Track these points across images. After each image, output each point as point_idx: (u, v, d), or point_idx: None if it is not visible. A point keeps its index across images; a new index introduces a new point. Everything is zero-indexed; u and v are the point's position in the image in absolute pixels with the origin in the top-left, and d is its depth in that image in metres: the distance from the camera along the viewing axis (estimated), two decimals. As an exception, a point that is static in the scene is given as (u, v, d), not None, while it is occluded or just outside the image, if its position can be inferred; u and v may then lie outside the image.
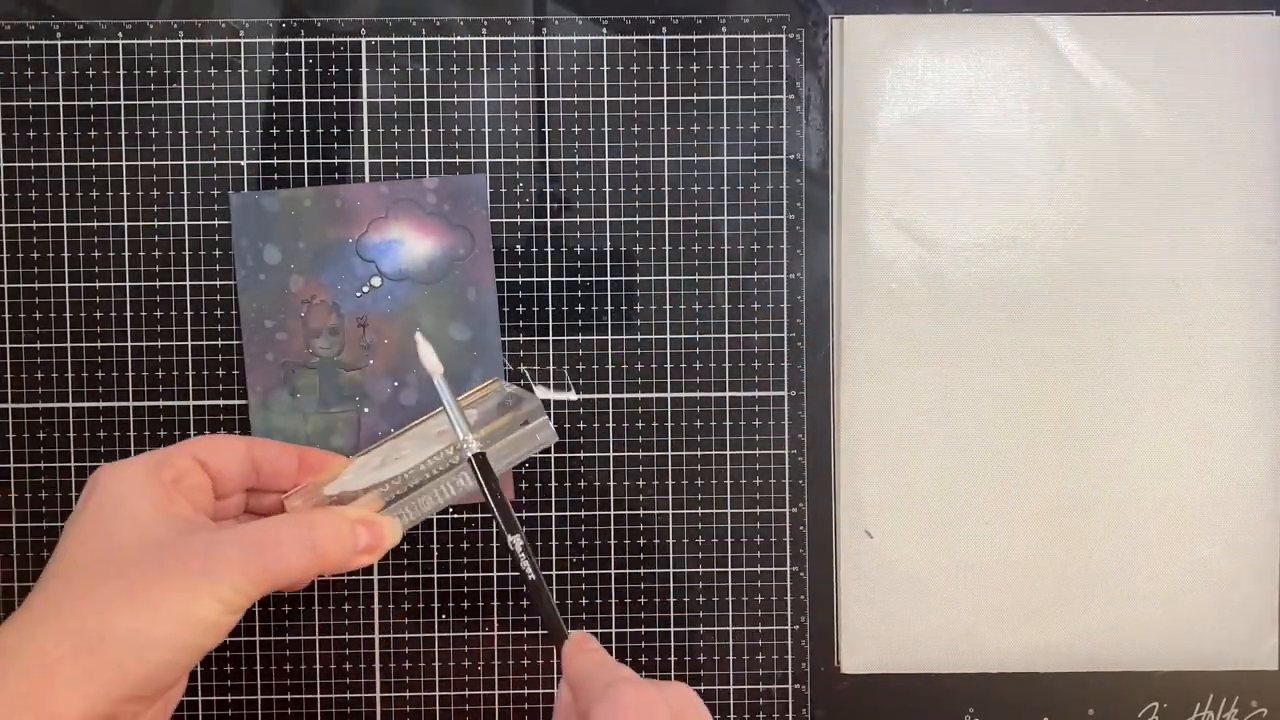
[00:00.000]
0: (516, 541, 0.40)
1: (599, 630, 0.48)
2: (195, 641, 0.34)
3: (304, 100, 0.48)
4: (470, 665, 0.48)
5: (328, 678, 0.48)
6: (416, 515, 0.43)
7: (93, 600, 0.33)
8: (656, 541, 0.48)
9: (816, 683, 0.49)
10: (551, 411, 0.48)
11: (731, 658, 0.49)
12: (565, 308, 0.48)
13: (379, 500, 0.42)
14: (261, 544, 0.35)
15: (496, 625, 0.48)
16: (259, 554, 0.35)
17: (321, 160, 0.48)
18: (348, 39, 0.48)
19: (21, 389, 0.48)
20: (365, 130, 0.48)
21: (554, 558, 0.48)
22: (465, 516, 0.48)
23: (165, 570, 0.34)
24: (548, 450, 0.48)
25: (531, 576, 0.40)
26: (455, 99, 0.48)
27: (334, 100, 0.48)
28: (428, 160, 0.48)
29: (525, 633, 0.48)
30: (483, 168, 0.48)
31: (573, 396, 0.45)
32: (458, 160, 0.48)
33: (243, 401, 0.48)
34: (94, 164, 0.48)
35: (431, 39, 0.48)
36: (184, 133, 0.48)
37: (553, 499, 0.48)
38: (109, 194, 0.48)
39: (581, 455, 0.48)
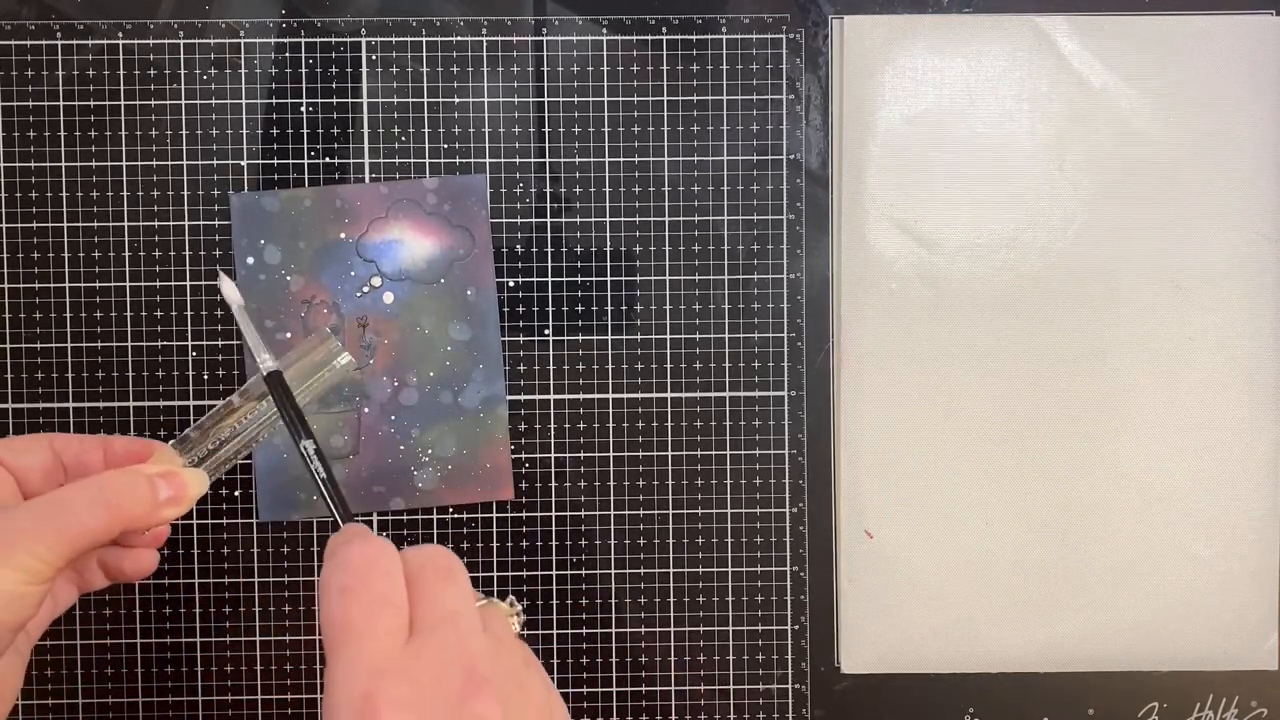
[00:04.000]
0: (309, 446, 0.38)
1: (599, 630, 0.48)
2: (3, 618, 0.33)
3: (304, 100, 0.48)
4: (470, 665, 0.48)
5: (328, 678, 0.48)
6: (226, 461, 0.41)
7: None
8: (656, 541, 0.48)
9: (816, 683, 0.49)
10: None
11: (731, 658, 0.49)
12: (565, 308, 0.48)
13: (179, 458, 0.40)
14: (53, 506, 0.35)
15: (496, 625, 0.48)
16: (52, 517, 0.34)
17: (321, 160, 0.48)
18: (348, 39, 0.48)
19: (21, 389, 0.48)
20: (365, 130, 0.48)
21: (554, 558, 0.48)
22: (465, 516, 0.48)
23: None
24: (548, 450, 0.48)
25: (323, 475, 0.38)
26: (455, 99, 0.48)
27: (334, 100, 0.48)
28: (428, 160, 0.48)
29: (525, 633, 0.48)
30: (483, 168, 0.48)
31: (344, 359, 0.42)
32: (458, 160, 0.48)
33: (243, 401, 0.48)
34: (94, 164, 0.48)
35: (431, 39, 0.48)
36: (184, 133, 0.48)
37: (553, 499, 0.48)
38: (109, 194, 0.48)
39: (581, 455, 0.48)
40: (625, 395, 0.48)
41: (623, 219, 0.48)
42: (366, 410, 0.47)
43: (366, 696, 0.29)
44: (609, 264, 0.48)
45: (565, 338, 0.48)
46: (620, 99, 0.48)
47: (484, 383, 0.48)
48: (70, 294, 0.48)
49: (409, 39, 0.48)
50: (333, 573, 0.32)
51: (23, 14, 0.48)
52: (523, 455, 0.48)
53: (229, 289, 0.41)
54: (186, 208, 0.48)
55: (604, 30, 0.48)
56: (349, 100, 0.48)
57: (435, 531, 0.48)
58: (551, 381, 0.48)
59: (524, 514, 0.48)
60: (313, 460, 0.38)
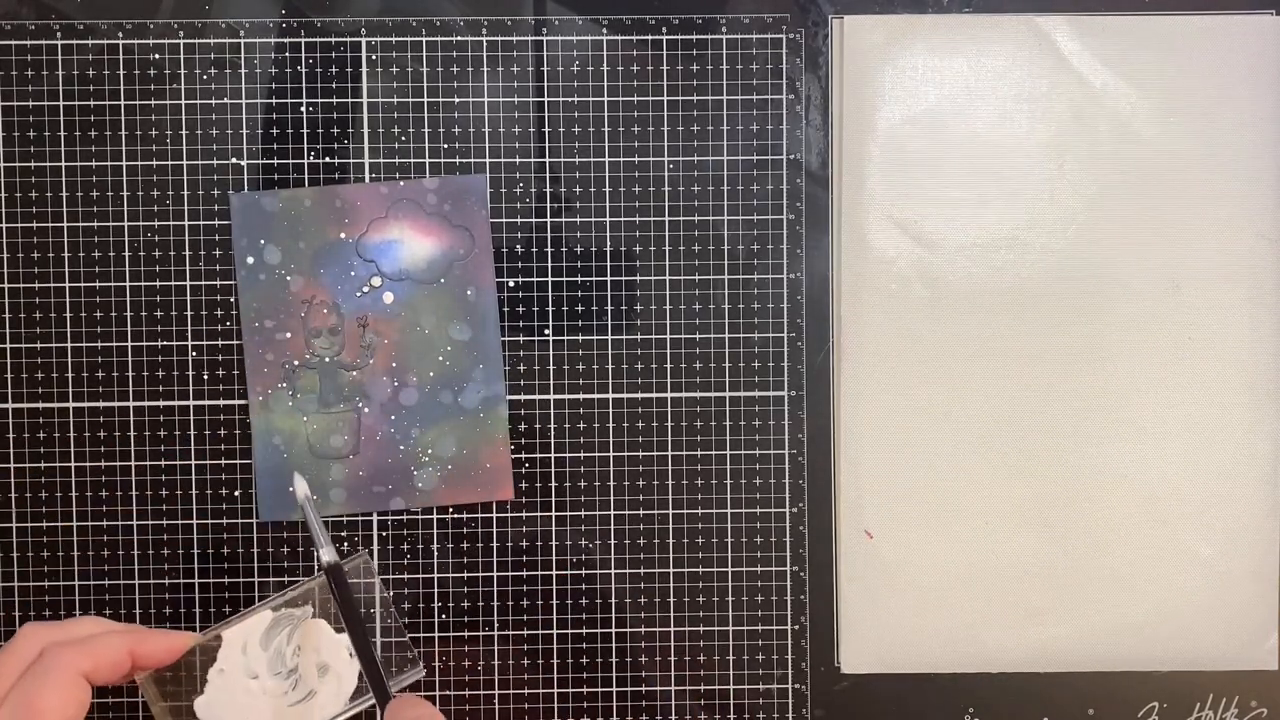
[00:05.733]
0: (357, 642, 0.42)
1: (599, 630, 0.48)
2: None
3: (304, 100, 0.48)
4: (470, 665, 0.48)
5: (328, 678, 0.48)
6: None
7: None
8: (656, 541, 0.48)
9: (816, 683, 0.49)
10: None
11: (731, 658, 0.49)
12: (565, 308, 0.48)
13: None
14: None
15: (496, 625, 0.48)
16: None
17: (322, 160, 0.48)
18: (348, 39, 0.48)
19: (21, 389, 0.48)
20: (365, 130, 0.48)
21: (554, 558, 0.48)
22: (465, 516, 0.48)
23: None
24: (548, 450, 0.48)
25: (370, 663, 0.42)
26: (455, 99, 0.48)
27: (334, 100, 0.48)
28: (428, 160, 0.48)
29: (525, 633, 0.48)
30: (483, 168, 0.48)
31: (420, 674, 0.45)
32: (458, 160, 0.48)
33: (243, 401, 0.48)
34: (94, 164, 0.48)
35: (431, 39, 0.48)
36: (184, 133, 0.48)
37: (553, 499, 0.48)
38: (109, 194, 0.48)
39: (581, 455, 0.48)
40: (625, 395, 0.48)
41: (623, 219, 0.48)
42: (366, 410, 0.47)
43: None
44: (609, 264, 0.48)
45: (565, 338, 0.48)
46: (620, 99, 0.48)
47: (484, 383, 0.48)
48: (70, 294, 0.48)
49: (409, 39, 0.48)
50: None
51: (23, 14, 0.48)
52: (523, 455, 0.48)
53: (300, 486, 0.44)
54: (186, 208, 0.48)
55: (604, 30, 0.48)
56: (349, 100, 0.48)
57: (435, 531, 0.48)
58: (551, 381, 0.48)
59: (524, 514, 0.48)
60: (363, 647, 0.41)
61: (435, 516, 0.48)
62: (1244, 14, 0.48)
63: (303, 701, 0.43)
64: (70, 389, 0.48)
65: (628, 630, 0.48)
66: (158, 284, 0.48)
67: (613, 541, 0.48)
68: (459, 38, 0.48)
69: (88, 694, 0.38)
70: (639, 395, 0.48)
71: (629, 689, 0.48)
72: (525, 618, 0.48)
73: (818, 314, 0.49)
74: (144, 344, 0.48)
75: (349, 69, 0.48)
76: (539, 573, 0.48)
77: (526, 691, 0.48)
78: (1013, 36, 0.48)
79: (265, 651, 0.43)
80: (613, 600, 0.48)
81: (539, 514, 0.48)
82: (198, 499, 0.48)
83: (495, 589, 0.48)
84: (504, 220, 0.48)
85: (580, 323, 0.48)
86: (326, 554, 0.42)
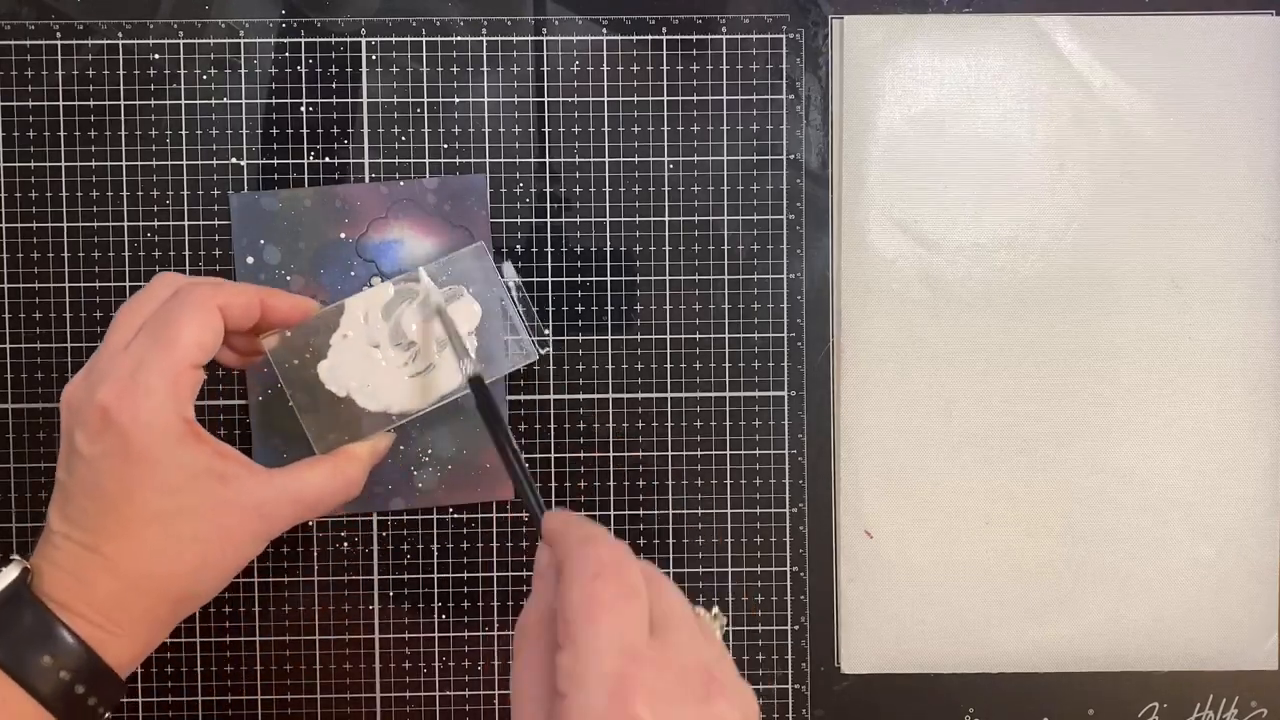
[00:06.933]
0: (512, 449, 0.40)
1: (599, 630, 0.48)
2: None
3: (304, 100, 0.48)
4: (470, 665, 0.48)
5: (328, 678, 0.48)
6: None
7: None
8: (656, 542, 0.48)
9: (816, 683, 0.49)
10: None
11: (731, 658, 0.49)
12: (565, 308, 0.48)
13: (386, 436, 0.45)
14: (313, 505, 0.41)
15: (496, 625, 0.48)
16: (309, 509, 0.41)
17: (322, 160, 0.48)
18: (348, 39, 0.48)
19: (21, 389, 0.48)
20: (365, 130, 0.48)
21: (554, 558, 0.48)
22: (465, 516, 0.48)
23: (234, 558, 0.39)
24: (548, 450, 0.48)
25: (523, 470, 0.40)
26: (455, 99, 0.48)
27: (334, 100, 0.48)
28: (428, 160, 0.48)
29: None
30: (483, 168, 0.48)
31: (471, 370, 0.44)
32: (458, 160, 0.48)
33: (242, 401, 0.48)
34: (94, 164, 0.48)
35: (431, 39, 0.48)
36: (184, 133, 0.48)
37: (553, 499, 0.48)
38: (109, 194, 0.48)
39: (581, 455, 0.48)
40: (625, 395, 0.48)
41: (623, 219, 0.48)
42: (366, 410, 0.47)
43: (620, 677, 0.29)
44: (609, 264, 0.48)
45: (565, 338, 0.48)
46: (620, 99, 0.48)
47: (484, 383, 0.48)
48: (70, 294, 0.48)
49: (409, 39, 0.48)
50: (583, 562, 0.32)
51: (23, 14, 0.48)
52: (523, 455, 0.48)
53: (433, 292, 0.44)
54: (186, 208, 0.48)
55: (604, 30, 0.48)
56: (349, 100, 0.48)
57: (435, 531, 0.48)
58: (551, 381, 0.48)
59: (524, 514, 0.48)
60: (510, 452, 0.40)
61: (435, 516, 0.48)
62: (1244, 14, 0.48)
63: (422, 374, 0.44)
64: (70, 389, 0.48)
65: (628, 630, 0.48)
66: (158, 284, 0.48)
67: (613, 541, 0.48)
68: (459, 38, 0.48)
69: (221, 325, 0.39)
70: (639, 395, 0.48)
71: (629, 689, 0.48)
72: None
73: (818, 314, 0.49)
74: (144, 344, 0.48)
75: (349, 69, 0.48)
76: (539, 573, 0.48)
77: (526, 691, 0.48)
78: (1013, 36, 0.48)
79: (386, 322, 0.44)
80: (613, 600, 0.48)
81: (539, 514, 0.48)
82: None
83: (495, 589, 0.48)
84: (504, 220, 0.48)
85: (580, 323, 0.48)
86: (467, 366, 0.42)
